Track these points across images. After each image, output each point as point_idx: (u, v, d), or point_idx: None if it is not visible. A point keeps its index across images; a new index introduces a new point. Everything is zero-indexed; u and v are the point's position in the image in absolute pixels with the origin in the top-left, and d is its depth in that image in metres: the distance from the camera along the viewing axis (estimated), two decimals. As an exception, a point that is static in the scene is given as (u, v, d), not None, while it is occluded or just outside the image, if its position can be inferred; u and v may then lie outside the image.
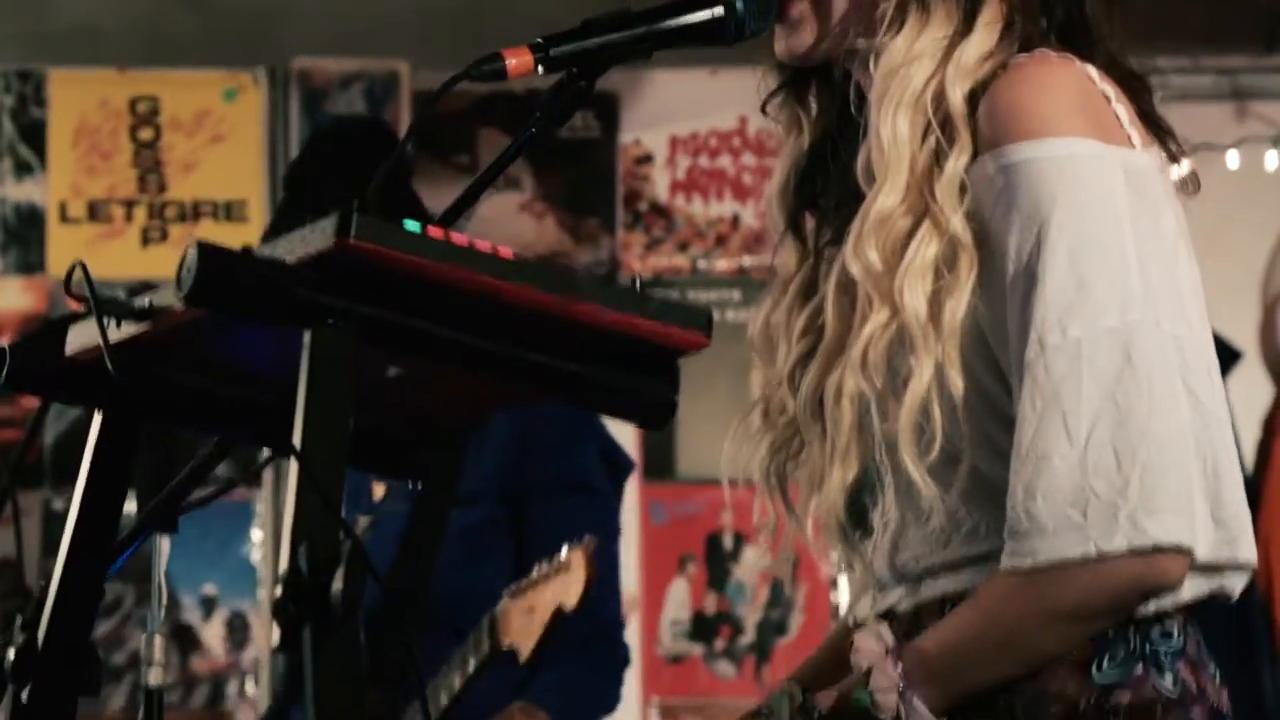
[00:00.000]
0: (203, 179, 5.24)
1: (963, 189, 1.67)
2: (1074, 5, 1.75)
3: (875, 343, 1.68)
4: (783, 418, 1.82)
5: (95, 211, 5.25)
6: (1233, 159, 4.92)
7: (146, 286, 3.02)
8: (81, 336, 1.63)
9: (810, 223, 1.84)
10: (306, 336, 1.43)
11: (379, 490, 3.27)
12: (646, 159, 5.30)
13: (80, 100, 5.25)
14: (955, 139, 1.68)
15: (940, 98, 1.70)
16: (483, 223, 5.10)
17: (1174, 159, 1.72)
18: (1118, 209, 1.63)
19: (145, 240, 5.25)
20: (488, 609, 2.98)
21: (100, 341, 1.55)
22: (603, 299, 1.46)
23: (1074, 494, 1.59)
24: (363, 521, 3.20)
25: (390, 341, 1.45)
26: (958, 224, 1.66)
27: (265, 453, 1.79)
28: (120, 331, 1.57)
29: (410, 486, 1.76)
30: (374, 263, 1.41)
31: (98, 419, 1.68)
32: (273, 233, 3.23)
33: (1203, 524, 1.61)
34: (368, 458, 1.72)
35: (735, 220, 5.30)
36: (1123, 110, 1.69)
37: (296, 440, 1.42)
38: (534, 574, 2.96)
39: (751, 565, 5.14)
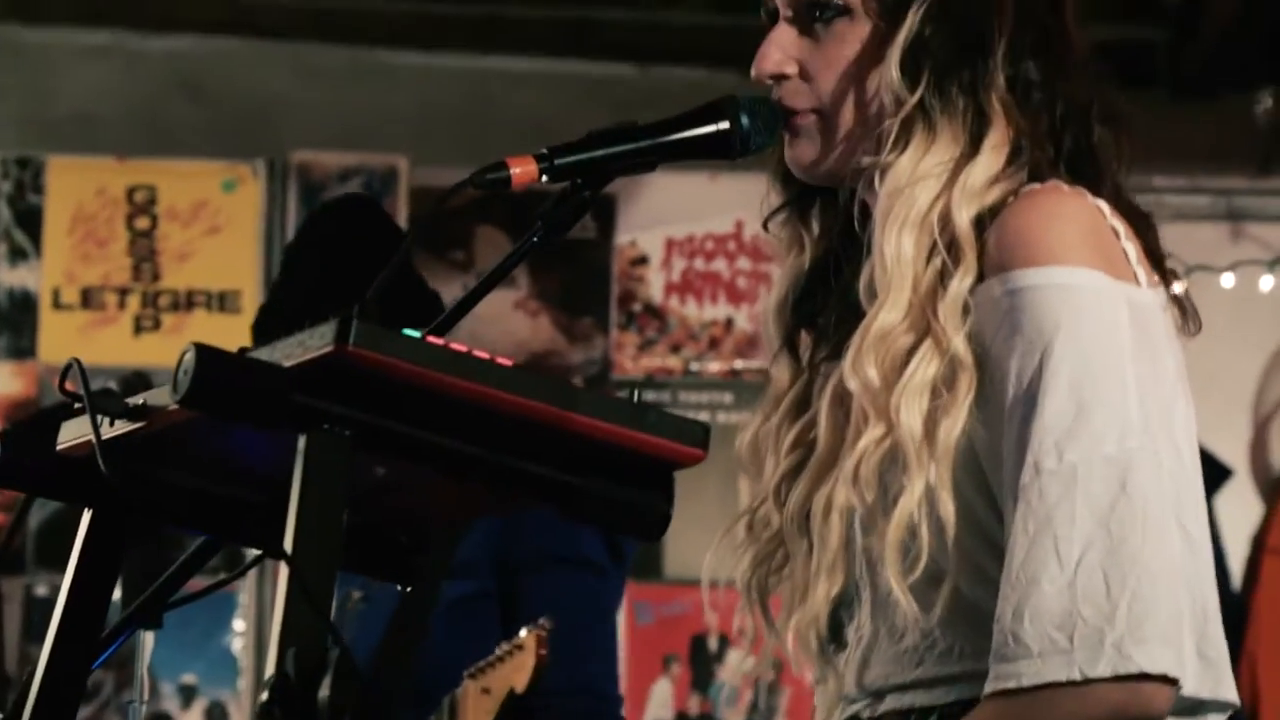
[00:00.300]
0: (198, 269, 5.25)
1: (965, 310, 1.68)
2: (1081, 133, 1.76)
3: (868, 458, 1.68)
4: (766, 531, 1.81)
5: (89, 298, 5.25)
6: (1228, 280, 4.94)
7: (139, 375, 3.02)
8: (73, 431, 1.63)
9: (806, 340, 1.84)
10: (301, 441, 1.43)
11: (354, 596, 3.24)
12: (642, 260, 5.31)
13: (78, 187, 5.27)
14: (960, 260, 1.68)
15: (946, 219, 1.70)
16: (477, 320, 5.08)
17: (1180, 304, 1.73)
18: (1120, 341, 1.64)
19: (138, 328, 5.25)
20: None
21: (93, 438, 1.54)
22: (600, 411, 1.46)
23: (1061, 618, 1.58)
24: (356, 595, 3.19)
25: (386, 447, 1.45)
26: (959, 344, 1.66)
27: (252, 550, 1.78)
28: (113, 429, 1.56)
29: (404, 589, 1.75)
30: (372, 369, 1.40)
31: (87, 515, 1.67)
32: (268, 312, 3.22)
33: (1190, 658, 1.60)
34: (358, 558, 1.71)
35: (729, 323, 5.31)
36: (1131, 247, 1.69)
37: (288, 545, 1.41)
38: (494, 654, 2.93)
39: (735, 667, 5.10)
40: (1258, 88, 5.26)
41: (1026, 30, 1.75)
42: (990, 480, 1.67)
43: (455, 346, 1.43)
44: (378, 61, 5.60)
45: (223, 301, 5.25)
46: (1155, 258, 1.72)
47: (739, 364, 5.26)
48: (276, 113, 5.45)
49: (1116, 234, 1.69)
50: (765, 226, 1.87)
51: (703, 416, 5.37)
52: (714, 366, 5.30)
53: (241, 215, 5.25)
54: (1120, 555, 1.58)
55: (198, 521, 1.70)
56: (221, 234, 5.25)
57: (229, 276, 5.25)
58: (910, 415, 1.66)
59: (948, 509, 1.65)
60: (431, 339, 1.42)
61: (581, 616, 3.03)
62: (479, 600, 3.10)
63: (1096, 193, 1.72)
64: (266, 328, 3.06)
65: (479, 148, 5.46)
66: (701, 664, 5.18)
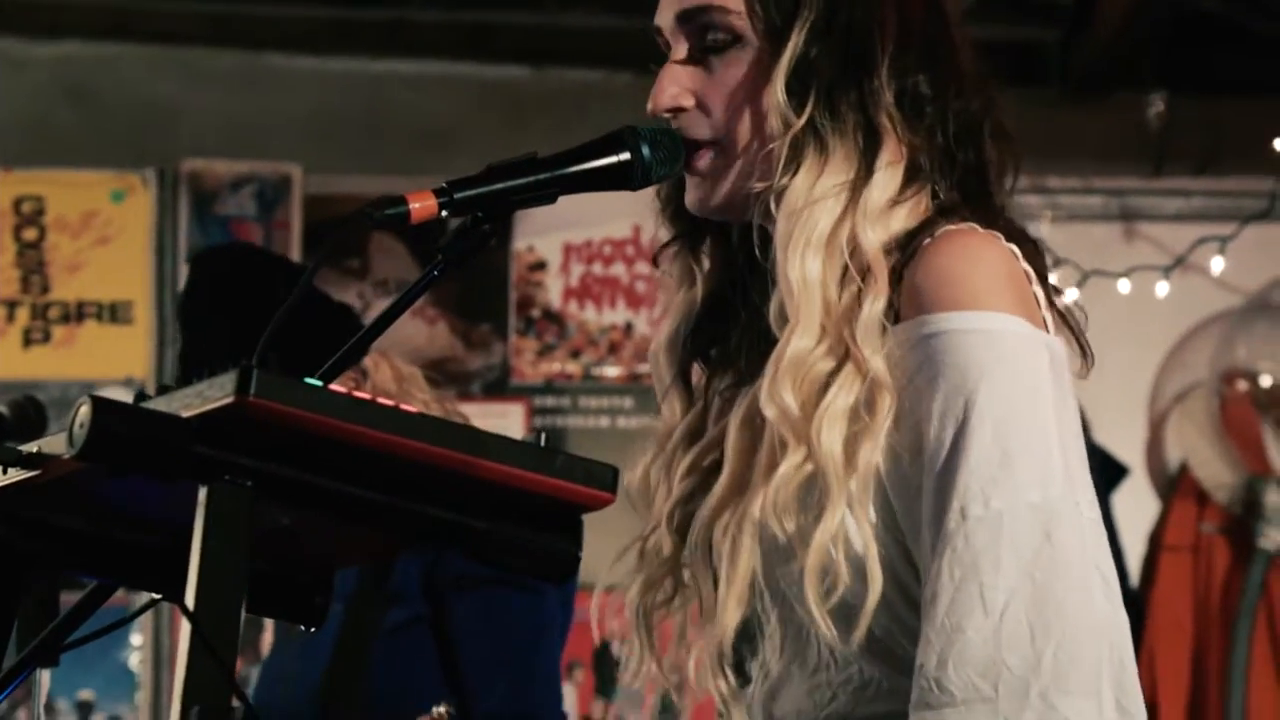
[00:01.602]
0: (88, 280, 5.18)
1: (883, 332, 1.67)
2: (974, 151, 1.75)
3: (788, 483, 1.66)
4: (657, 558, 1.79)
5: (-24, 312, 5.18)
6: (1124, 285, 4.98)
7: (30, 400, 2.96)
8: (-35, 479, 1.59)
9: (698, 374, 1.83)
10: (202, 493, 1.40)
11: None
12: (540, 266, 5.30)
13: (-37, 199, 5.19)
14: (872, 282, 1.68)
15: (854, 241, 1.69)
16: (374, 329, 5.06)
17: (1078, 340, 1.73)
18: (1043, 390, 1.63)
19: (27, 341, 5.17)
20: (416, 708, 2.92)
21: (-14, 489, 1.51)
22: (506, 456, 1.44)
23: (986, 666, 1.58)
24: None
25: (289, 497, 1.43)
26: (879, 365, 1.65)
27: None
28: (6, 477, 1.53)
29: (305, 630, 1.72)
30: (273, 419, 1.38)
31: (-19, 565, 1.64)
32: (184, 366, 3.15)
33: (1109, 711, 1.60)
34: (257, 600, 1.68)
35: (628, 328, 5.31)
36: (1040, 292, 1.70)
37: (190, 599, 1.39)
38: None
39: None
40: (1149, 87, 5.31)
41: (911, 44, 1.74)
42: (897, 512, 1.67)
43: (358, 394, 1.41)
44: (270, 66, 5.54)
45: (114, 313, 5.18)
46: (1052, 299, 1.72)
47: (639, 368, 5.26)
48: (167, 120, 5.38)
49: (1029, 278, 1.69)
50: (655, 262, 1.86)
51: (603, 421, 5.37)
52: (613, 371, 5.30)
53: (132, 225, 5.18)
54: (1045, 604, 1.58)
55: (95, 567, 1.67)
56: (112, 244, 5.18)
57: (120, 287, 5.18)
58: (831, 439, 1.65)
59: (866, 533, 1.64)
60: (334, 388, 1.40)
61: (516, 637, 3.00)
62: (413, 626, 3.06)
63: (991, 219, 1.72)
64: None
65: (374, 153, 5.47)
66: (605, 669, 5.17)
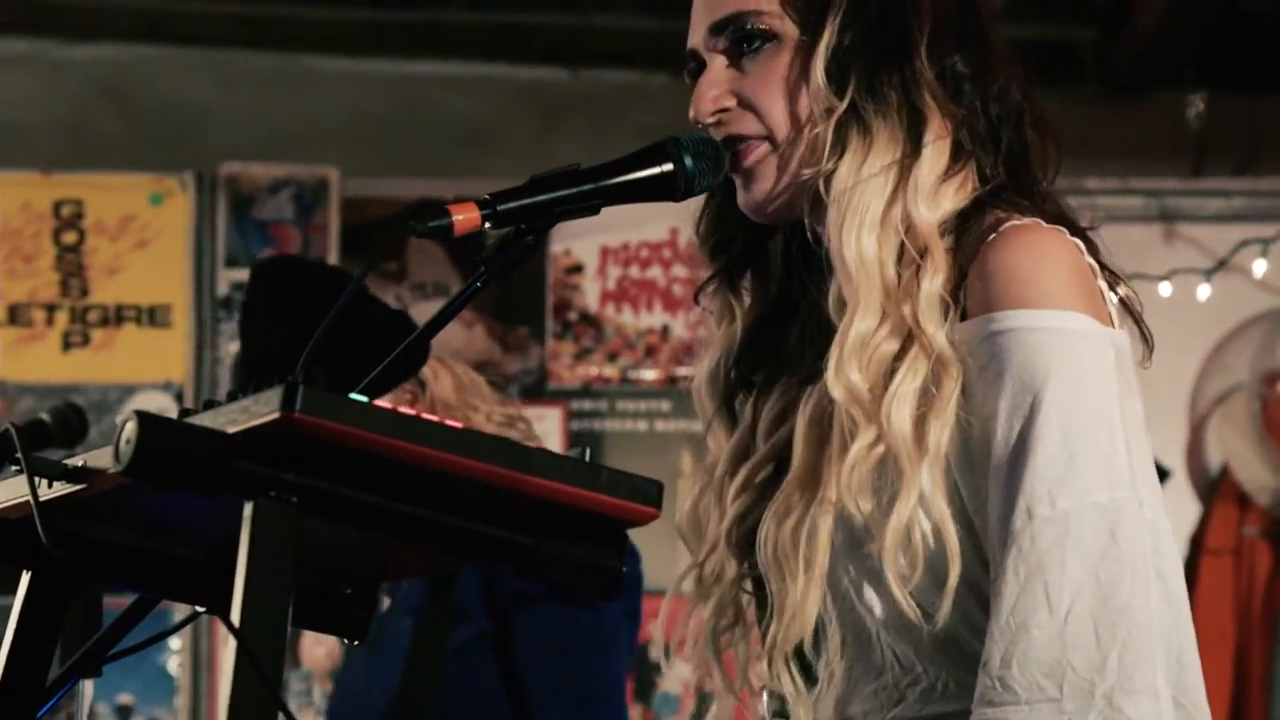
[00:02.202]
0: (127, 283, 5.19)
1: (944, 308, 1.67)
2: (1016, 135, 1.76)
3: (861, 464, 1.66)
4: (720, 584, 1.79)
5: (16, 315, 5.18)
6: (1165, 289, 4.96)
7: (71, 406, 2.97)
8: (9, 493, 1.59)
9: (742, 400, 1.83)
10: (247, 509, 1.40)
11: (384, 603, 3.21)
12: (577, 269, 5.29)
13: (2, 203, 5.20)
14: (929, 257, 1.68)
15: (908, 219, 1.69)
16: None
17: (1140, 329, 1.73)
18: (1109, 389, 1.63)
19: (66, 345, 5.19)
20: None
21: (31, 502, 1.51)
22: (552, 472, 1.44)
23: (1050, 666, 1.58)
24: None
25: (334, 513, 1.42)
26: (941, 341, 1.66)
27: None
28: (51, 490, 1.53)
29: (351, 643, 1.72)
30: (318, 435, 1.38)
31: (26, 577, 1.64)
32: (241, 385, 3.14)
33: (1167, 710, 1.60)
34: (305, 615, 1.69)
35: (665, 331, 5.30)
36: (1104, 286, 1.69)
37: (235, 616, 1.38)
38: None
39: (678, 678, 5.10)
40: (1186, 87, 5.29)
41: (946, 26, 1.75)
42: (967, 503, 1.66)
43: (403, 410, 1.40)
44: (305, 69, 5.55)
45: (153, 316, 5.20)
46: (1112, 287, 1.71)
47: (677, 371, 5.25)
48: (204, 122, 5.40)
49: (1094, 272, 1.69)
50: (696, 299, 1.86)
51: (640, 425, 5.36)
52: (650, 375, 5.29)
53: (170, 228, 5.19)
54: (1110, 605, 1.58)
55: (139, 581, 1.68)
56: (150, 247, 5.19)
57: (159, 290, 5.19)
58: (901, 420, 1.65)
59: (942, 512, 1.65)
60: (379, 403, 1.39)
61: (578, 655, 2.99)
62: (476, 643, 3.06)
63: (1040, 202, 1.72)
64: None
65: (410, 155, 5.48)
66: (644, 674, 5.17)
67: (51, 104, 5.42)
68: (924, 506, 1.65)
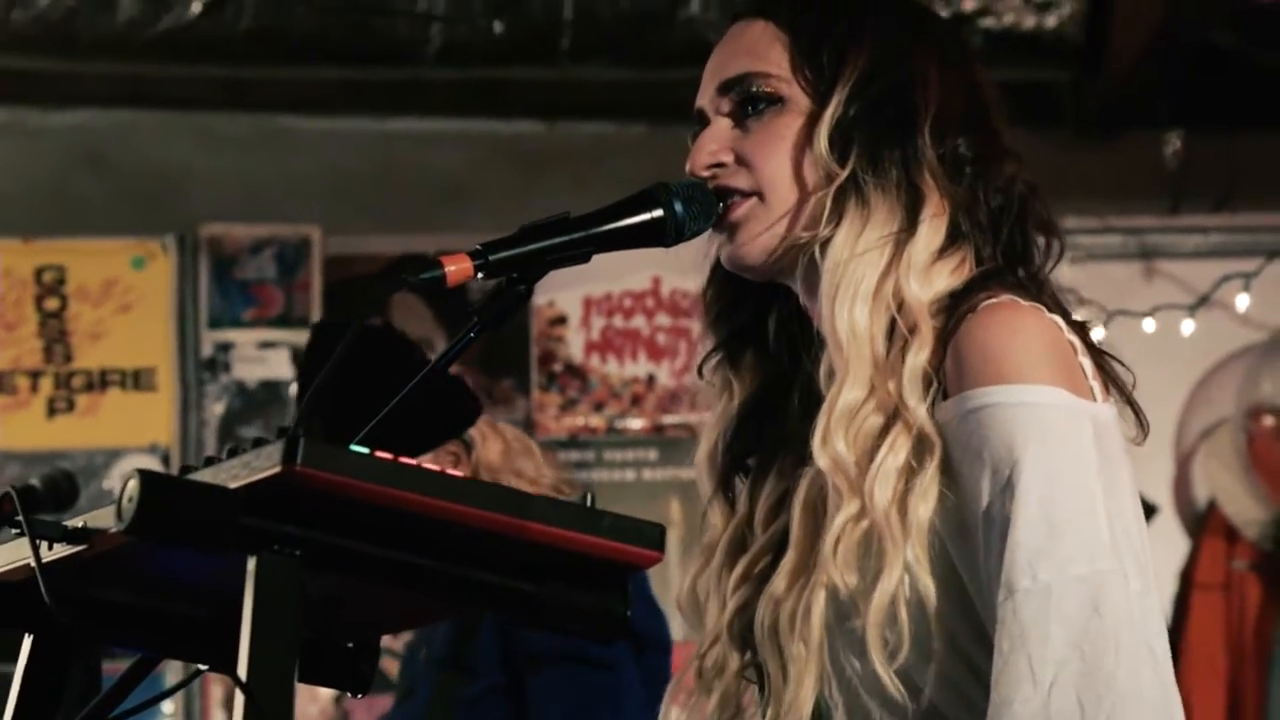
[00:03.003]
0: (110, 347, 5.19)
1: (927, 382, 1.67)
2: (1017, 225, 1.76)
3: (847, 535, 1.67)
4: (721, 677, 1.79)
5: (0, 383, 5.18)
6: (1149, 324, 4.98)
7: (64, 473, 2.96)
8: (9, 556, 1.59)
9: (739, 485, 1.84)
10: (251, 563, 1.40)
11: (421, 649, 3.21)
12: (560, 320, 5.30)
13: (-16, 271, 5.21)
14: (917, 333, 1.68)
15: (899, 294, 1.70)
16: (397, 388, 5.07)
17: (1133, 409, 1.72)
18: (1087, 460, 1.63)
19: (51, 411, 5.18)
20: None
21: (33, 565, 1.51)
22: (554, 518, 1.44)
23: None
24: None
25: (338, 565, 1.43)
26: (923, 415, 1.66)
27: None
28: (52, 553, 1.53)
29: (354, 696, 1.72)
30: (320, 488, 1.38)
31: (28, 641, 1.64)
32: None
33: None
34: (307, 670, 1.68)
35: (650, 380, 5.31)
36: (1087, 363, 1.69)
37: (243, 671, 1.38)
38: None
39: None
40: (1162, 126, 5.32)
41: (953, 109, 1.76)
42: (965, 578, 1.66)
43: (405, 461, 1.41)
44: (284, 128, 5.56)
45: (137, 379, 5.19)
46: (1103, 369, 1.71)
47: (663, 419, 5.26)
48: (184, 185, 5.40)
49: (1074, 349, 1.68)
50: (700, 372, 1.87)
51: (628, 474, 5.36)
52: (637, 424, 5.29)
53: (153, 292, 5.20)
54: (1094, 679, 1.58)
55: (141, 640, 1.67)
56: (133, 311, 5.20)
57: (142, 354, 5.19)
58: (884, 497, 1.66)
59: (928, 587, 1.65)
60: (381, 454, 1.40)
61: (590, 712, 2.99)
62: (490, 698, 3.06)
63: (1034, 287, 1.73)
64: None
65: (391, 212, 5.48)
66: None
67: (31, 170, 5.42)
68: (909, 582, 1.65)
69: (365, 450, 1.40)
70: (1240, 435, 4.99)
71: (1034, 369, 1.64)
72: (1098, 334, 1.78)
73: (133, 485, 1.38)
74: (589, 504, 1.47)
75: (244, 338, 5.20)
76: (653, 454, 5.26)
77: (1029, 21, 5.15)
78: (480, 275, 1.71)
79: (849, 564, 1.66)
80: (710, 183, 1.77)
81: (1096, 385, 1.69)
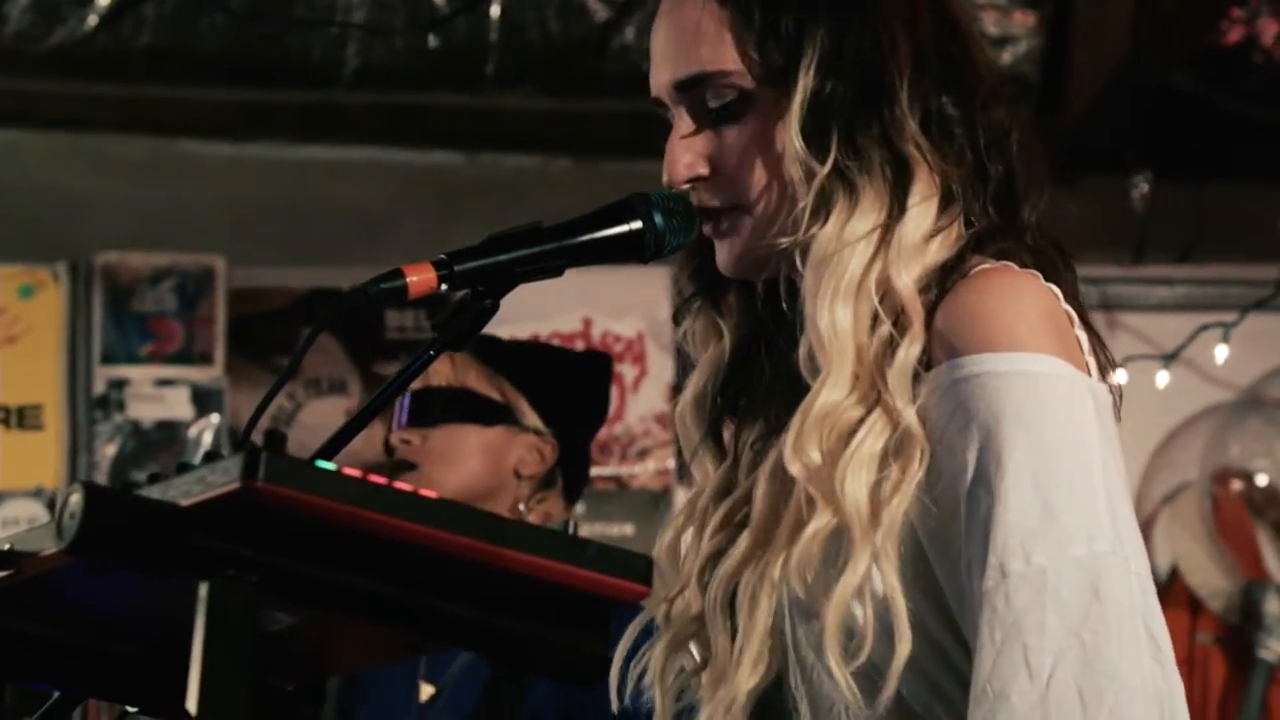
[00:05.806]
0: (-7, 382, 5.12)
1: (915, 379, 1.65)
2: (1004, 166, 1.73)
3: (811, 543, 1.65)
4: (684, 616, 1.78)
5: (-125, 420, 5.10)
6: (1121, 376, 5.00)
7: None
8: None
9: (729, 429, 1.82)
10: (203, 589, 1.36)
11: (426, 691, 3.19)
12: (483, 363, 5.26)
13: None
14: (906, 327, 1.66)
15: (885, 284, 1.68)
16: (305, 430, 5.03)
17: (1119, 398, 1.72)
18: (1086, 435, 1.61)
19: (-71, 448, 5.10)
20: None
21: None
22: (534, 547, 1.41)
23: None
24: (427, 690, 3.14)
25: (298, 592, 1.39)
26: (910, 416, 1.64)
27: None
28: (-29, 581, 1.49)
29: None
30: (282, 507, 1.35)
31: (-60, 676, 1.59)
32: None
33: None
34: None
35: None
36: (1083, 336, 1.68)
37: (192, 705, 1.34)
38: None
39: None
40: (1124, 172, 5.36)
41: (928, 64, 1.73)
42: (937, 571, 1.64)
43: (373, 479, 1.38)
44: (183, 154, 5.52)
45: (22, 417, 5.12)
46: (1099, 345, 1.71)
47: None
48: (76, 211, 5.34)
49: (1071, 320, 1.68)
50: (675, 320, 1.85)
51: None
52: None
53: (42, 323, 5.13)
54: (1096, 669, 1.56)
55: (61, 678, 1.63)
56: (19, 344, 5.12)
57: (28, 390, 5.11)
58: (856, 487, 1.63)
59: (893, 587, 1.62)
60: (348, 471, 1.36)
61: None
62: None
63: (1023, 242, 1.71)
64: None
65: (300, 243, 5.44)
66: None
67: (-88, 194, 5.35)
68: (874, 580, 1.63)
69: (332, 466, 1.36)
70: (1206, 501, 5.00)
71: (1029, 336, 1.62)
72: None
73: (75, 500, 1.34)
74: (571, 531, 1.44)
75: (140, 374, 5.13)
76: (579, 508, 5.22)
77: (983, 58, 5.19)
78: (444, 287, 1.69)
79: (809, 568, 1.65)
80: (691, 196, 1.76)
81: (1093, 361, 1.67)
